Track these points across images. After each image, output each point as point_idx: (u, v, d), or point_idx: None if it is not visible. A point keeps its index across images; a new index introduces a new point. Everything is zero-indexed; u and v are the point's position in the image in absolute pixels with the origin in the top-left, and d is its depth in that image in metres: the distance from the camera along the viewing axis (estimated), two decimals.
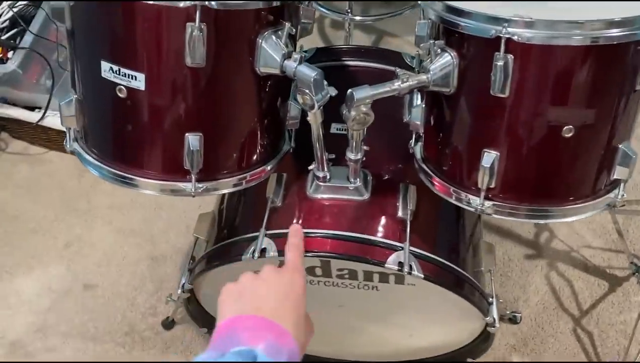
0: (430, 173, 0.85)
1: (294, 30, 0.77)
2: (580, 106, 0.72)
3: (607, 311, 1.33)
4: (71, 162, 1.58)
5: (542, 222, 0.80)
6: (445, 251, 0.92)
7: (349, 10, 1.49)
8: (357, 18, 1.62)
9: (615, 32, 0.68)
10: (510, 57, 0.69)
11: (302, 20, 0.81)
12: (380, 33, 1.90)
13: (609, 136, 0.75)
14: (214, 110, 0.77)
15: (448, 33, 0.75)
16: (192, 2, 0.68)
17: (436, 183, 0.84)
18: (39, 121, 1.50)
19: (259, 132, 0.83)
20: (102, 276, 1.37)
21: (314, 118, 0.77)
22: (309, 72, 0.72)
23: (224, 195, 1.07)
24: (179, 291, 1.01)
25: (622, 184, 0.79)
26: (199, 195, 0.79)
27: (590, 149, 0.75)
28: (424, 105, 0.83)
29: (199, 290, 1.05)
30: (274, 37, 0.74)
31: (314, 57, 1.06)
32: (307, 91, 0.72)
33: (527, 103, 0.72)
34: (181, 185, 0.78)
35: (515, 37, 0.68)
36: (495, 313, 0.94)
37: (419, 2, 0.79)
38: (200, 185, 0.78)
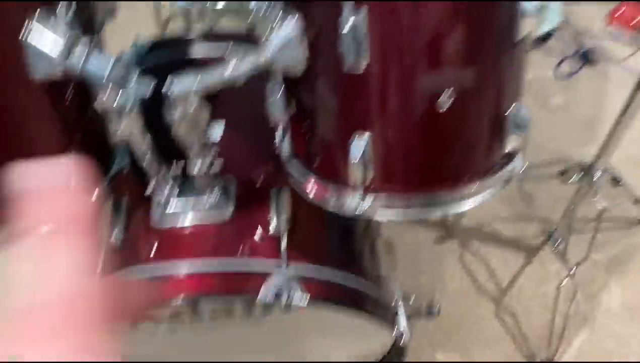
0: (302, 171, 0.69)
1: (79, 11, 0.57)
2: (455, 69, 0.58)
3: (526, 285, 1.24)
4: None
5: (437, 215, 0.66)
6: (333, 263, 0.77)
7: None
8: (221, 4, 1.45)
9: None
10: (360, 19, 0.54)
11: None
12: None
13: (495, 99, 0.62)
14: None
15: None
16: None
17: (310, 184, 0.68)
18: None
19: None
20: None
21: (126, 126, 0.58)
22: (102, 63, 0.53)
23: None
24: None
25: (519, 154, 0.67)
26: None
27: (475, 117, 0.62)
28: (283, 94, 0.67)
29: None
30: (50, 19, 0.54)
31: (148, 54, 0.87)
32: (105, 89, 0.53)
33: (392, 73, 0.57)
34: None
35: None
36: (403, 324, 0.81)
37: None
38: None
